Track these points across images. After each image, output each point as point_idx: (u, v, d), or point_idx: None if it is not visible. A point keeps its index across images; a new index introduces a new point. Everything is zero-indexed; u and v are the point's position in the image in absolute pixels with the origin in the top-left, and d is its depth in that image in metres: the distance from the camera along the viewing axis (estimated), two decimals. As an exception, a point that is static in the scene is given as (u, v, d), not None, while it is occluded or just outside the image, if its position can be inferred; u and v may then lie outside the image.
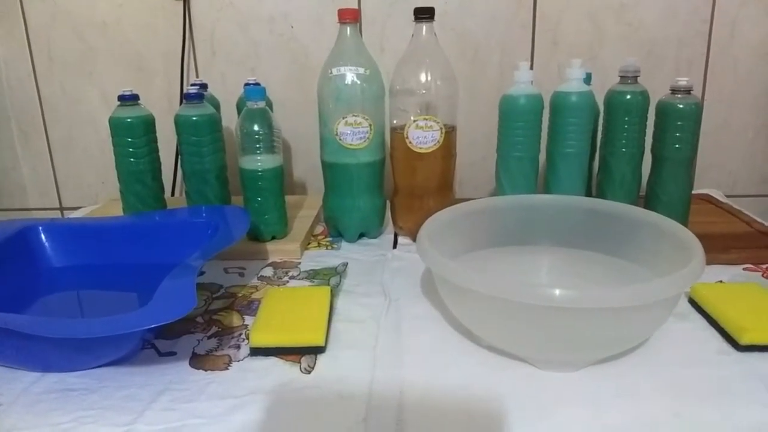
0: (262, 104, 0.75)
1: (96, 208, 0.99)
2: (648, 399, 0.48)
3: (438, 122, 0.76)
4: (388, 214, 0.86)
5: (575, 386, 0.50)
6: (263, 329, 0.56)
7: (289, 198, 0.98)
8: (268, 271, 0.74)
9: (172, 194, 1.06)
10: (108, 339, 0.49)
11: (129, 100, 0.77)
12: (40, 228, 0.70)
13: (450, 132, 0.79)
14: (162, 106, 1.01)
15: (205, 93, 0.82)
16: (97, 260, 0.70)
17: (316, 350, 0.55)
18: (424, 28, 0.76)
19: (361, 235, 0.84)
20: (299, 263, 0.76)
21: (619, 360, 0.53)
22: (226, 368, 0.54)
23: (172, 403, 0.49)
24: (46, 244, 0.70)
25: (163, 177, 0.84)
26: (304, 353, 0.55)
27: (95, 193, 1.14)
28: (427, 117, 0.76)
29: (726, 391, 0.49)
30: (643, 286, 0.48)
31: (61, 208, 1.16)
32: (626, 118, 0.75)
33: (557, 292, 0.46)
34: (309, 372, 0.53)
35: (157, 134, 0.81)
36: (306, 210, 0.92)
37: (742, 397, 0.48)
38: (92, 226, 0.74)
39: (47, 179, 1.14)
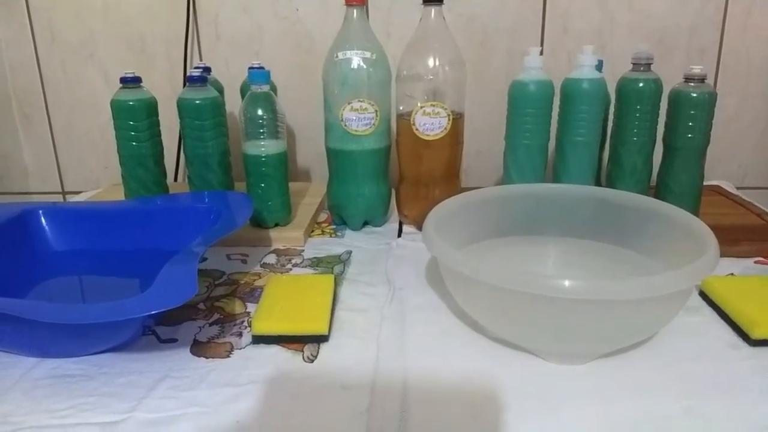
0: (266, 88, 0.74)
1: (97, 193, 0.98)
2: (657, 393, 0.47)
3: (445, 109, 0.75)
4: (393, 202, 0.85)
5: (583, 379, 0.49)
6: (266, 317, 0.55)
7: (292, 185, 0.96)
8: (271, 258, 0.73)
9: (175, 179, 1.05)
10: (107, 325, 0.48)
11: (131, 82, 0.76)
12: (41, 212, 0.69)
13: (457, 119, 0.77)
14: (165, 90, 0.99)
15: (208, 76, 0.81)
16: (98, 245, 0.69)
17: (319, 339, 0.54)
18: (433, 11, 0.74)
19: (366, 224, 0.83)
20: (303, 251, 0.75)
21: (628, 353, 0.52)
22: (228, 356, 0.53)
23: (172, 390, 0.48)
24: (47, 227, 0.69)
25: (166, 162, 0.83)
26: (307, 342, 0.54)
27: (97, 177, 1.13)
28: (434, 103, 0.75)
29: (737, 386, 0.48)
30: (655, 278, 0.47)
31: (63, 192, 1.16)
32: (638, 107, 0.73)
33: (566, 283, 0.45)
34: (312, 361, 0.52)
35: (160, 118, 0.80)
36: (310, 197, 0.91)
37: (754, 392, 0.47)
38: (93, 210, 0.73)
39: (49, 163, 1.13)
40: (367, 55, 0.74)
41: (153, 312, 0.44)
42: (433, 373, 0.50)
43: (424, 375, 0.50)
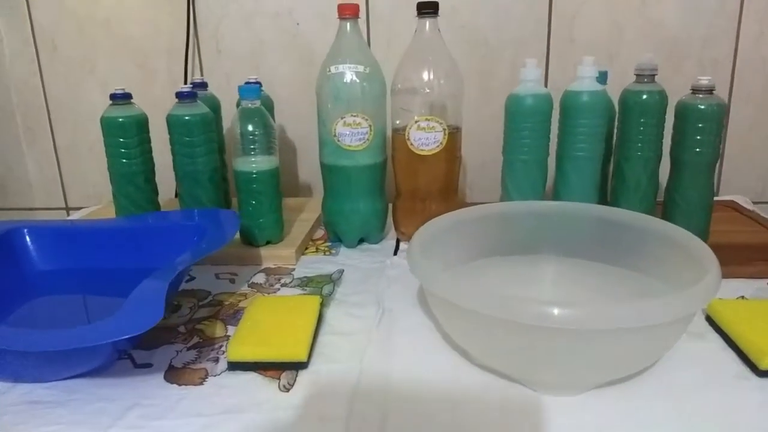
0: (257, 103, 0.72)
1: (95, 210, 0.97)
2: (657, 426, 0.44)
3: (441, 123, 0.72)
4: (391, 219, 0.82)
5: (577, 412, 0.46)
6: (243, 342, 0.53)
7: (291, 200, 0.95)
8: (260, 278, 0.71)
9: (176, 196, 1.03)
10: (74, 352, 0.46)
11: (121, 99, 0.75)
12: (25, 230, 0.68)
13: (454, 133, 0.75)
14: (166, 105, 0.97)
15: (199, 92, 0.79)
16: (84, 264, 0.67)
17: (298, 366, 0.52)
18: (428, 23, 0.72)
19: (362, 240, 0.81)
20: (293, 270, 0.73)
21: (625, 383, 0.49)
22: (201, 383, 0.50)
23: (141, 420, 0.46)
24: (31, 246, 0.68)
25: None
26: (285, 369, 0.52)
27: (100, 192, 1.12)
28: (429, 117, 0.72)
29: (743, 420, 0.45)
30: (650, 306, 0.43)
31: (67, 208, 1.15)
32: (642, 120, 0.70)
33: (555, 311, 0.42)
34: (288, 390, 0.49)
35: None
36: (307, 213, 0.89)
37: (761, 428, 0.44)
38: (78, 228, 0.72)
39: (53, 178, 1.13)
40: (360, 68, 0.72)
41: (112, 341, 0.42)
42: (415, 403, 0.47)
43: (405, 406, 0.47)
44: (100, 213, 0.93)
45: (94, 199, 1.12)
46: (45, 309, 0.64)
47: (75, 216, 1.00)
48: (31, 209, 1.15)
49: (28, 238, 0.68)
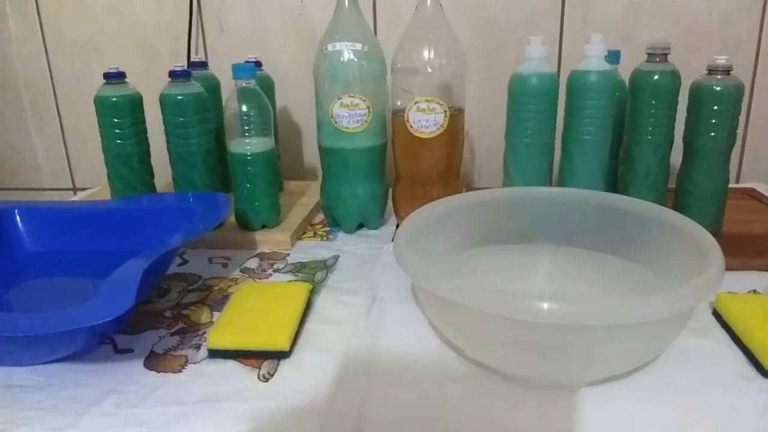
0: (252, 83, 0.70)
1: (93, 192, 0.97)
2: (652, 426, 0.42)
3: (441, 104, 0.70)
4: (391, 204, 0.80)
5: (568, 411, 0.43)
6: (224, 329, 0.51)
7: (293, 184, 0.94)
8: (253, 263, 0.69)
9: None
10: (48, 337, 0.45)
11: (115, 78, 0.73)
12: (16, 211, 0.67)
13: (456, 115, 0.72)
14: (167, 86, 0.97)
15: (198, 72, 0.78)
16: (74, 246, 0.66)
17: (279, 355, 0.50)
18: (429, -1, 0.69)
19: (361, 226, 0.79)
20: (288, 255, 0.71)
21: (620, 381, 0.46)
22: (180, 371, 0.49)
23: (115, 407, 0.45)
24: (22, 227, 0.67)
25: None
26: (266, 358, 0.50)
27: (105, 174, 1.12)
28: (429, 98, 0.69)
29: (744, 423, 0.42)
30: (644, 301, 0.41)
31: (74, 188, 1.15)
32: (653, 102, 0.66)
33: (545, 305, 0.39)
34: (267, 380, 0.48)
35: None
36: (308, 197, 0.87)
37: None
38: (70, 210, 0.71)
39: (60, 159, 1.13)
40: (358, 46, 0.70)
41: (77, 327, 0.41)
42: (397, 398, 0.46)
43: (387, 401, 0.45)
44: (98, 195, 0.92)
45: (100, 180, 1.11)
46: (36, 291, 0.64)
47: (77, 197, 0.99)
48: (39, 189, 1.15)
49: (18, 219, 0.67)
